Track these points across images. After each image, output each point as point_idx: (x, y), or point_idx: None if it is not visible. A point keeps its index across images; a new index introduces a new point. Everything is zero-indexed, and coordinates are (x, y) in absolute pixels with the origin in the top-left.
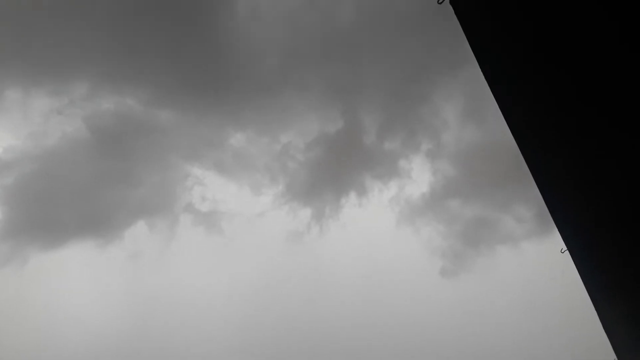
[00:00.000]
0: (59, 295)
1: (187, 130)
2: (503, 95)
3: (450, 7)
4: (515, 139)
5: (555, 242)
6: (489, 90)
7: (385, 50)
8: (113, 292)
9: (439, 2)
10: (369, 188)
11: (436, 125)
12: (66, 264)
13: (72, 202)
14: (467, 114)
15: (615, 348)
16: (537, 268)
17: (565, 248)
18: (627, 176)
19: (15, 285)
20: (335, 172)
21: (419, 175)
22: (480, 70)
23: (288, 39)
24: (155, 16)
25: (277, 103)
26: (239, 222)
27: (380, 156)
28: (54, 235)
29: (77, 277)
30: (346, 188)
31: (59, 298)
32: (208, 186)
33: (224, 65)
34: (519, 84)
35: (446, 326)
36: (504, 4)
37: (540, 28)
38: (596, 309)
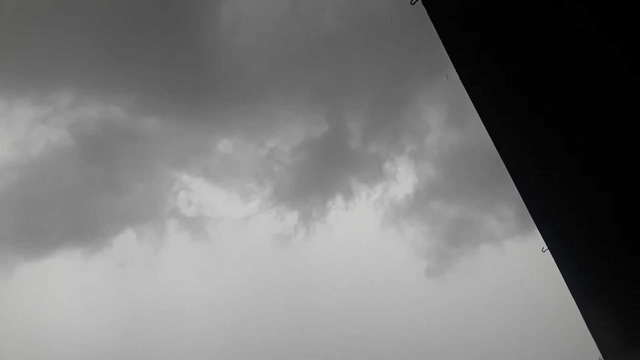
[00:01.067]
0: (47, 304)
1: (173, 137)
2: (479, 96)
3: (424, 8)
4: (493, 140)
5: (537, 240)
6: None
7: (369, 55)
8: (101, 300)
9: (412, 2)
10: (355, 191)
11: (419, 128)
12: (53, 273)
13: (59, 210)
14: (450, 117)
15: (600, 346)
16: (519, 266)
17: (546, 247)
18: (605, 178)
19: (1, 295)
20: (321, 175)
21: (402, 177)
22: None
23: (273, 45)
24: (140, 24)
25: (263, 108)
26: (227, 227)
27: (365, 159)
28: (41, 244)
29: (64, 286)
30: (332, 191)
31: (47, 307)
32: (195, 192)
33: (209, 72)
34: (494, 85)
35: (429, 321)
36: (475, 3)
37: (512, 27)
38: (579, 308)
